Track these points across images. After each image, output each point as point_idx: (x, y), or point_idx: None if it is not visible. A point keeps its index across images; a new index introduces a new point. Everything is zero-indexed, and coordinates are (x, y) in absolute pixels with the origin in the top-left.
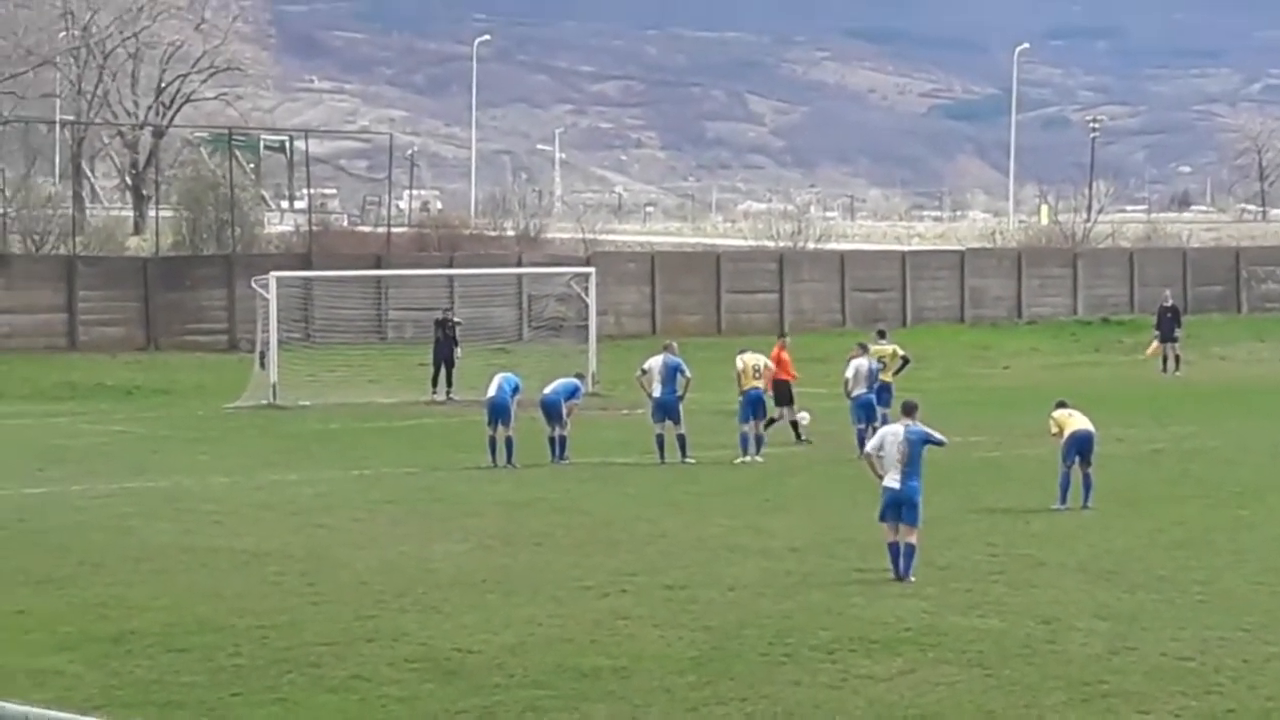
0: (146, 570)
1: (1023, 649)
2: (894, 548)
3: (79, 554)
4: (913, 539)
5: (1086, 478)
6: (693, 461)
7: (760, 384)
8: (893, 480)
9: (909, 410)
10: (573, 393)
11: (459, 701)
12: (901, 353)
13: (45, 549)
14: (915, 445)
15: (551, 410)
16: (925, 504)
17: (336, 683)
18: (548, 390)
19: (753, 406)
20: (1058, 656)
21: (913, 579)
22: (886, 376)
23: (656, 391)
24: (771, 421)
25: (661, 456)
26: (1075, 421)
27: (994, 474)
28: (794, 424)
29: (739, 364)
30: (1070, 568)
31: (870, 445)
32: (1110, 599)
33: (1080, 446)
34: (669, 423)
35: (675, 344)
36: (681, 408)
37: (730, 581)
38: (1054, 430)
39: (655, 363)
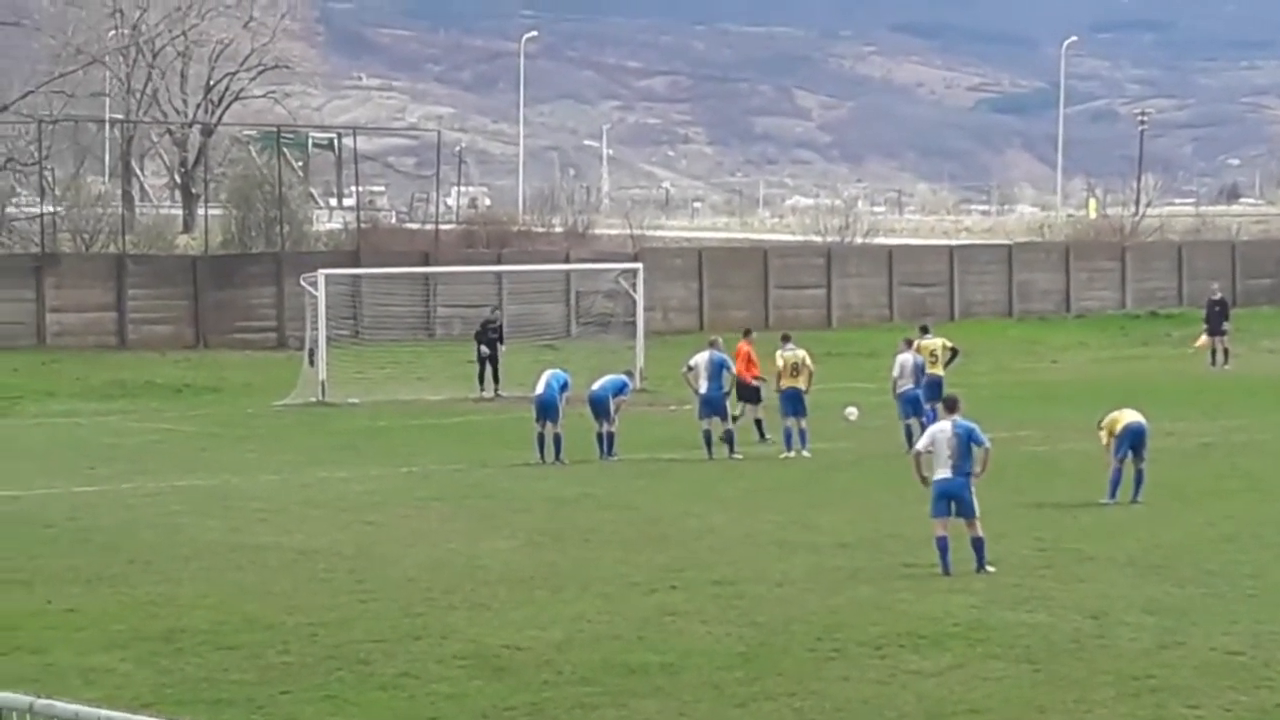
0: (195, 568)
1: (1071, 644)
2: (942, 542)
3: (129, 552)
4: (978, 531)
5: (1139, 472)
6: (740, 457)
7: (799, 382)
8: (944, 472)
9: (952, 406)
10: (621, 389)
11: (508, 698)
12: (950, 345)
13: (95, 547)
14: (964, 439)
15: (599, 406)
16: (975, 498)
17: (386, 680)
18: (595, 386)
19: (792, 403)
20: (1106, 651)
21: (991, 569)
22: (937, 369)
23: (703, 388)
24: (735, 419)
25: (709, 452)
26: (1126, 415)
27: (1042, 468)
28: (758, 422)
29: (778, 360)
30: (1119, 562)
31: (920, 444)
32: (1159, 593)
33: (1133, 440)
34: (716, 419)
35: (720, 340)
36: (728, 404)
37: (778, 577)
38: (1104, 440)
39: (701, 359)
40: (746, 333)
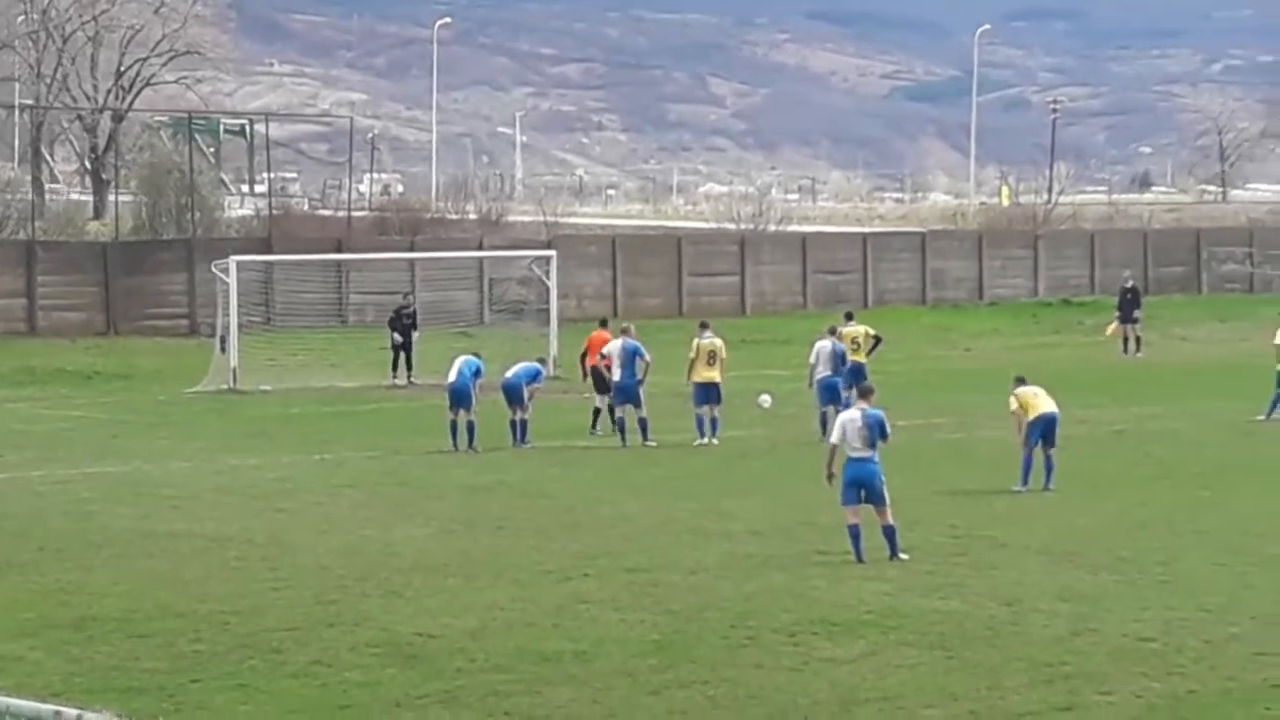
0: (106, 556)
1: (985, 631)
2: (854, 530)
3: (39, 539)
4: (889, 519)
5: (1049, 459)
6: (654, 445)
7: (714, 371)
8: (854, 460)
9: (865, 394)
10: (534, 376)
11: (421, 686)
12: (873, 333)
13: (5, 534)
14: (874, 428)
15: (513, 394)
16: (888, 486)
17: (298, 668)
18: (509, 374)
19: (705, 391)
20: (1020, 638)
21: (904, 556)
22: (859, 357)
23: (617, 375)
24: (599, 411)
25: (623, 440)
26: (1040, 403)
27: (956, 456)
28: (596, 411)
29: (693, 348)
30: (1032, 549)
31: (833, 437)
32: (1072, 580)
33: (1044, 429)
34: (630, 407)
35: (634, 327)
36: (642, 391)
37: (692, 565)
38: (1014, 407)
39: (615, 347)
40: (602, 322)
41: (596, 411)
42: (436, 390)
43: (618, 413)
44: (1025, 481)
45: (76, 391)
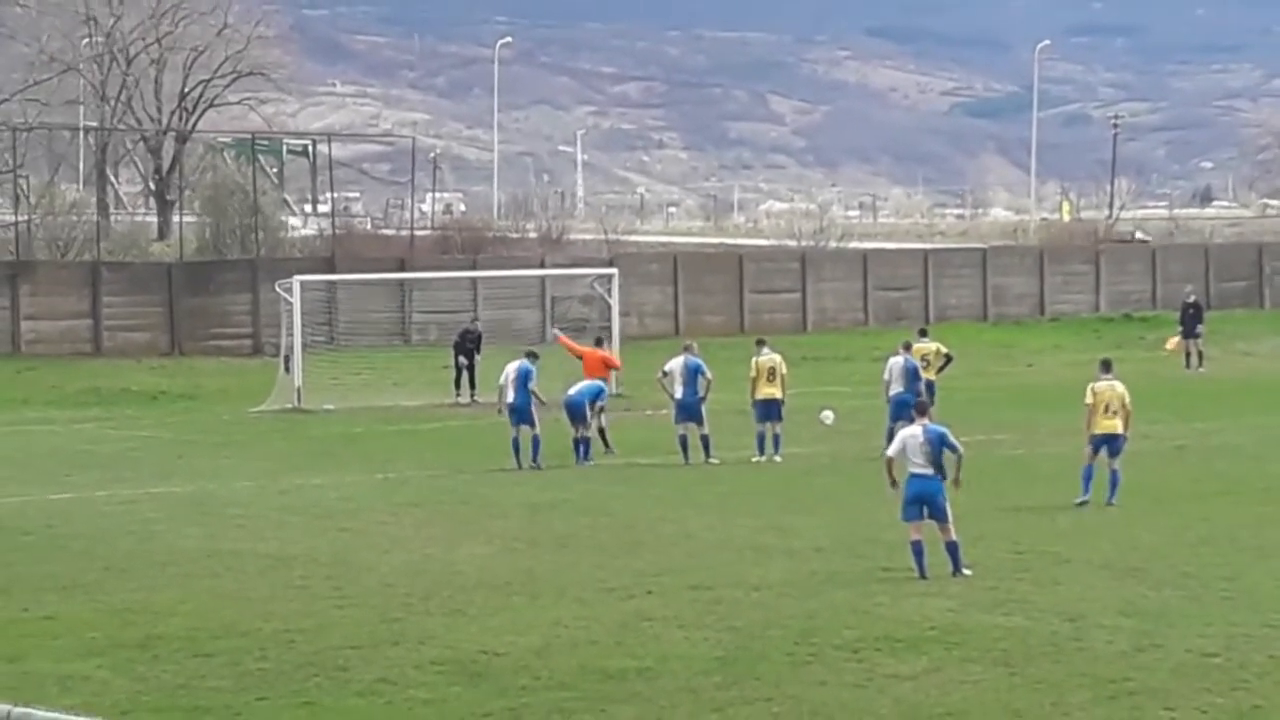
0: (172, 575)
1: (1048, 647)
2: (917, 546)
3: (105, 559)
4: (952, 535)
5: (1113, 474)
6: (716, 462)
7: (774, 388)
8: (918, 470)
9: (922, 410)
10: (597, 394)
11: (485, 704)
12: (945, 350)
13: (71, 554)
14: (936, 444)
15: (576, 411)
16: (950, 502)
17: (363, 686)
18: (572, 391)
19: (765, 408)
20: (1083, 654)
21: (967, 571)
22: (930, 374)
23: (678, 393)
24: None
25: (686, 457)
26: (1101, 421)
27: (1018, 472)
28: (601, 431)
29: (752, 366)
30: (1095, 565)
31: (891, 449)
32: (1135, 596)
33: (1103, 443)
34: (692, 424)
35: (696, 345)
36: (704, 409)
37: (755, 581)
38: (1088, 400)
39: (676, 364)
40: (598, 341)
41: (601, 431)
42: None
43: (680, 430)
44: (1086, 490)
45: (142, 412)
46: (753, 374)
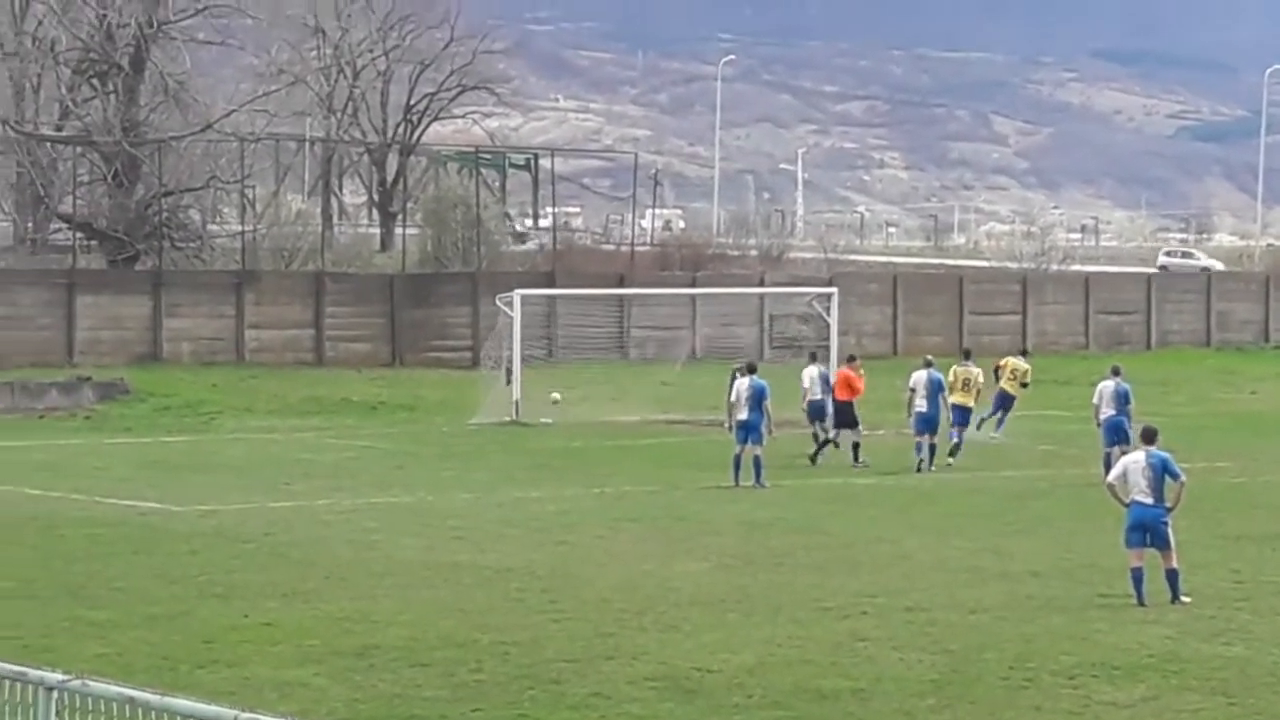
0: (390, 585)
1: (1269, 677)
2: (1137, 573)
3: (324, 568)
4: (1173, 563)
5: None
6: (952, 463)
7: (968, 397)
8: (1139, 502)
9: (1149, 437)
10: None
11: None
12: (980, 379)
13: (291, 562)
14: (1158, 470)
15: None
16: (1173, 529)
17: (577, 700)
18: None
19: (956, 413)
20: None
21: (1186, 599)
22: (963, 398)
23: (923, 407)
24: (827, 442)
25: (924, 466)
26: None
27: (1240, 500)
28: (855, 445)
29: (951, 374)
30: None
31: (1112, 475)
32: None
33: None
34: (928, 435)
35: (934, 359)
36: (943, 420)
37: (971, 605)
38: None
39: (920, 378)
40: (850, 359)
41: (825, 443)
42: (715, 425)
43: (919, 440)
44: None
45: (362, 422)
46: (951, 379)
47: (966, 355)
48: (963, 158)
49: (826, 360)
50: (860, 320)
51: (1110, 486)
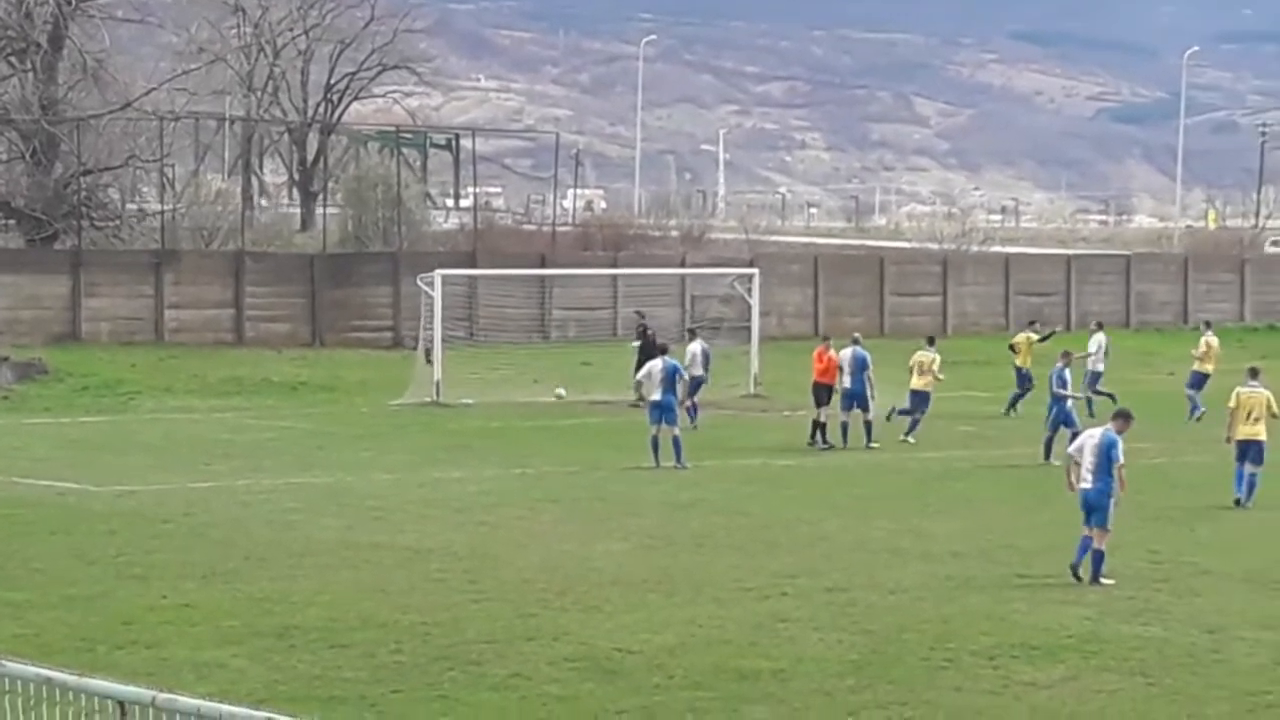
0: (310, 566)
1: (1186, 658)
2: (1084, 541)
3: (243, 548)
4: (1099, 544)
5: (1251, 478)
6: (876, 446)
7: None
8: (1085, 483)
9: (1119, 416)
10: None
11: (619, 701)
12: (939, 365)
13: (210, 543)
14: (1103, 450)
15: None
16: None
17: (497, 680)
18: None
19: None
20: (1222, 666)
21: (1106, 581)
22: (921, 383)
23: (848, 383)
24: (820, 424)
25: (845, 441)
26: (1241, 427)
27: (1159, 481)
28: (822, 424)
29: (911, 360)
30: (1235, 577)
31: (1071, 448)
32: (1276, 609)
33: (1249, 449)
34: (856, 410)
35: (860, 336)
36: (869, 395)
37: (891, 585)
38: (1231, 404)
39: (846, 355)
40: (825, 339)
41: (816, 424)
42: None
43: (843, 417)
44: (1238, 488)
45: (282, 402)
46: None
47: (930, 341)
48: (884, 139)
49: (749, 340)
50: (781, 301)
51: (1069, 457)
